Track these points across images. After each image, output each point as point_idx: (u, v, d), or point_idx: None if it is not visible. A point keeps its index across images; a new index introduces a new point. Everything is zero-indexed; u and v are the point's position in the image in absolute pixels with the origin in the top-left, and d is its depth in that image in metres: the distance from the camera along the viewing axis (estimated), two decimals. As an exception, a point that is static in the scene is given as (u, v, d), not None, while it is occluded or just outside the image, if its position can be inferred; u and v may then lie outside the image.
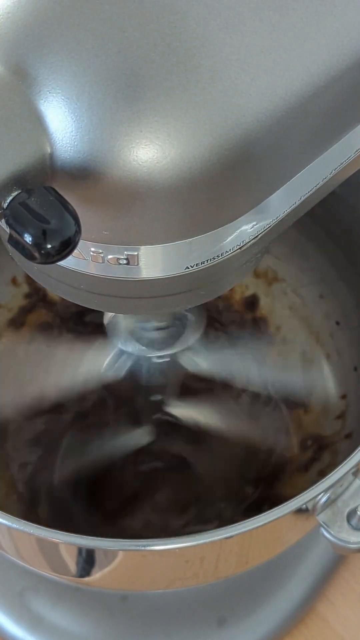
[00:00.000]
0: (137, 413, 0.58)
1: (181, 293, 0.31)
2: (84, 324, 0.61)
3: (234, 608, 0.52)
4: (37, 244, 0.23)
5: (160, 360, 0.48)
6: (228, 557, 0.39)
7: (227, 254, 0.29)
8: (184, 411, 0.57)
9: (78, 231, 0.23)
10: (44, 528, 0.35)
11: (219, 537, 0.36)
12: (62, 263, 0.29)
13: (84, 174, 0.25)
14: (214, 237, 0.28)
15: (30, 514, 0.54)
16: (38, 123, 0.24)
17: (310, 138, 0.28)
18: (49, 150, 0.24)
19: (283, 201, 0.30)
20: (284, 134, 0.26)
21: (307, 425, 0.58)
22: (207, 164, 0.25)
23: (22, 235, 0.23)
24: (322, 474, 0.52)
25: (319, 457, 0.56)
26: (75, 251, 0.27)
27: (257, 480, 0.56)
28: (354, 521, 0.36)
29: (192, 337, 0.47)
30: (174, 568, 0.40)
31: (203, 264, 0.29)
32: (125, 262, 0.28)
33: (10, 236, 0.23)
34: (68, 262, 0.29)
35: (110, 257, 0.28)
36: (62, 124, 0.24)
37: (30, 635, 0.52)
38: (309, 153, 0.29)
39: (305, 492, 0.37)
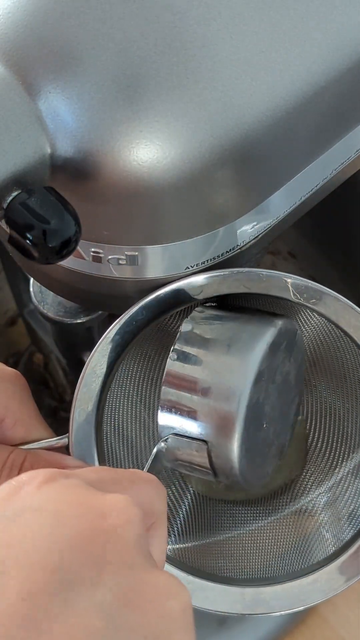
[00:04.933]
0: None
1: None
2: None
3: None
4: (38, 244, 0.23)
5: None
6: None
7: (227, 254, 0.29)
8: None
9: (78, 231, 0.23)
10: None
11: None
12: (62, 263, 0.29)
13: (84, 174, 0.24)
14: (214, 237, 0.28)
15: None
16: (38, 123, 0.24)
17: (311, 138, 0.28)
18: (49, 150, 0.24)
19: (283, 201, 0.30)
20: (284, 134, 0.26)
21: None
22: (207, 165, 0.25)
23: (22, 236, 0.23)
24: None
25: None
26: (76, 251, 0.27)
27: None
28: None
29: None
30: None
31: (203, 264, 0.29)
32: (125, 262, 0.28)
33: (11, 236, 0.23)
34: (68, 262, 0.29)
35: (110, 257, 0.28)
36: (62, 124, 0.24)
37: None
38: (309, 153, 0.29)
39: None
